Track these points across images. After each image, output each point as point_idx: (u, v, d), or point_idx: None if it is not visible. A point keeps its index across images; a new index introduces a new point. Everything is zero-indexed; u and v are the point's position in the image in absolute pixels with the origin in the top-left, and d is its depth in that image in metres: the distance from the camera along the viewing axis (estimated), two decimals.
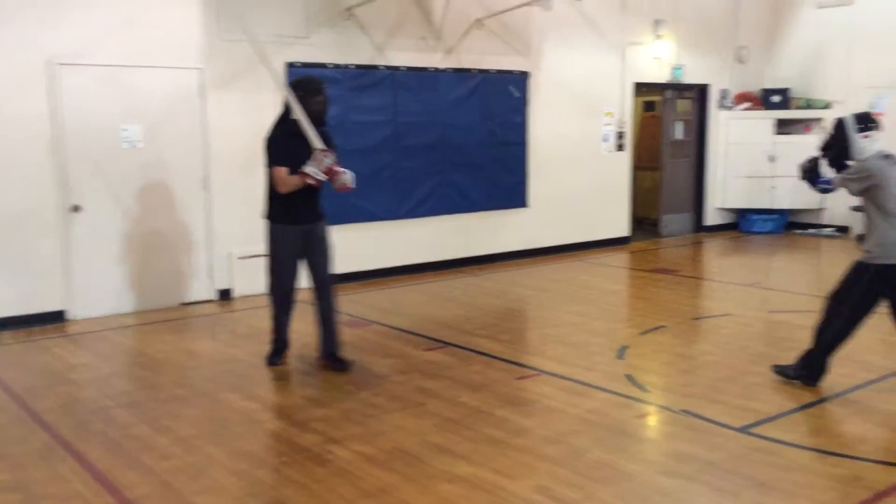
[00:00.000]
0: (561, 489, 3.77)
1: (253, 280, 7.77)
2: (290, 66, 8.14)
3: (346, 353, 5.95)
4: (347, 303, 7.91)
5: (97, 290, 7.39)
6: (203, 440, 4.46)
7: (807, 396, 5.05)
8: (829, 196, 12.00)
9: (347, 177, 5.40)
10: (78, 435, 4.52)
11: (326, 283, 5.62)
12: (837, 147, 5.07)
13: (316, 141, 5.25)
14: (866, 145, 4.96)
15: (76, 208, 7.23)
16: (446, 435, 4.45)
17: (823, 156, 5.24)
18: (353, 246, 8.88)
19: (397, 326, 6.94)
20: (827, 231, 12.02)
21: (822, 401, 5.00)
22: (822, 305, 5.15)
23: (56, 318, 7.22)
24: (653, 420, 4.80)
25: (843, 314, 5.01)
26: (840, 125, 5.05)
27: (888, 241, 4.88)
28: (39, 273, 7.11)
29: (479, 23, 9.42)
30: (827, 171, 5.30)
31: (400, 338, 6.59)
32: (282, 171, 5.25)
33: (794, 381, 5.21)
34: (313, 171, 5.20)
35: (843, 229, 11.95)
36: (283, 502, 3.70)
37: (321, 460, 4.14)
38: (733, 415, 4.74)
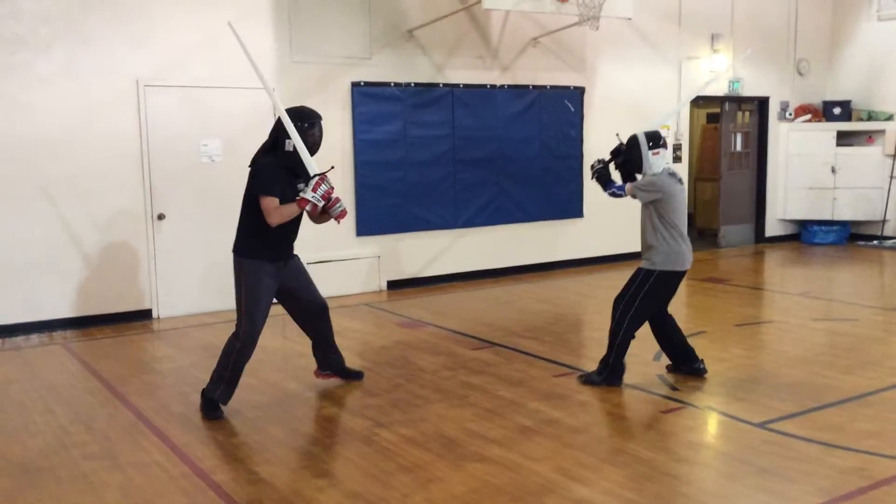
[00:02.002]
0: (578, 470, 4.19)
1: (321, 284, 8.38)
2: (355, 85, 8.78)
3: (401, 351, 6.49)
4: (404, 306, 8.47)
5: (180, 290, 8.12)
6: (267, 421, 5.04)
7: (829, 397, 5.32)
8: (891, 206, 12.08)
9: (342, 205, 5.08)
10: (159, 414, 5.15)
11: (326, 306, 5.52)
12: (627, 157, 5.54)
13: (314, 167, 4.95)
14: (655, 161, 5.43)
15: (161, 216, 7.98)
16: (482, 423, 4.91)
17: (611, 160, 5.74)
18: (412, 253, 9.45)
19: (449, 328, 7.44)
20: (890, 243, 12.01)
21: (843, 401, 5.26)
22: (612, 311, 5.61)
23: (144, 315, 7.97)
24: (676, 415, 5.14)
25: (629, 318, 5.50)
26: (634, 141, 5.47)
27: (670, 250, 5.42)
28: (129, 275, 7.88)
29: (534, 41, 9.90)
30: (615, 176, 5.81)
31: (451, 338, 7.08)
32: (275, 202, 4.89)
33: (602, 385, 5.58)
34: (313, 196, 4.85)
35: None
36: (331, 473, 4.23)
37: (368, 441, 4.66)
38: (754, 412, 5.06)
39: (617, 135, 6.01)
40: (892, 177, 12.04)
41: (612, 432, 4.76)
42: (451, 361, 6.31)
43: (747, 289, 9.40)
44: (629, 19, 9.55)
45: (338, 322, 7.65)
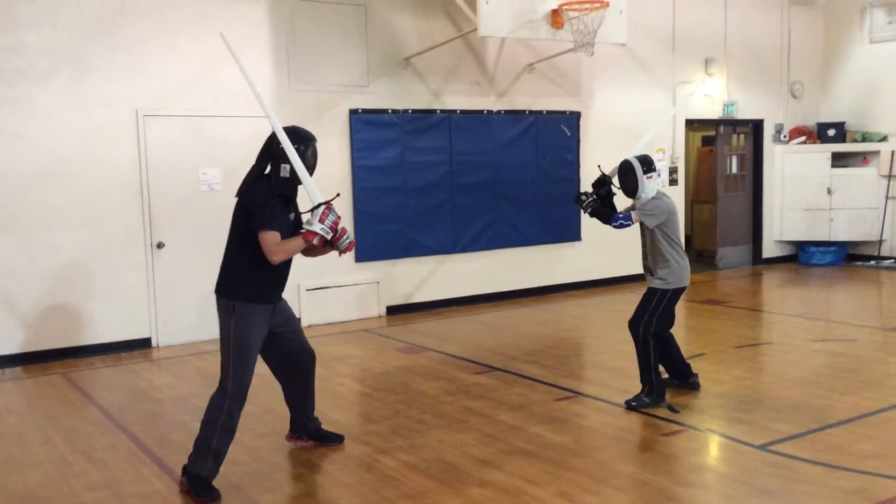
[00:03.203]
0: (580, 495, 4.18)
1: (320, 311, 8.46)
2: (353, 112, 8.85)
3: (401, 376, 6.49)
4: (404, 332, 8.47)
5: (179, 319, 8.12)
6: (267, 449, 5.02)
7: (830, 418, 5.32)
8: (887, 227, 12.12)
9: (350, 236, 4.53)
10: (159, 444, 5.14)
11: (315, 356, 4.90)
12: (622, 183, 5.58)
13: (318, 195, 4.39)
14: (650, 185, 5.53)
15: (160, 245, 8.00)
16: (483, 448, 4.90)
17: (595, 192, 5.81)
18: (411, 278, 9.46)
19: (449, 353, 7.44)
20: (887, 263, 12.04)
21: (844, 422, 5.26)
22: (633, 334, 5.66)
23: (143, 344, 7.96)
24: (677, 438, 5.13)
25: (651, 335, 5.59)
26: (629, 166, 5.52)
27: (679, 267, 5.58)
28: (128, 303, 7.88)
29: (530, 67, 9.99)
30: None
31: (451, 363, 7.08)
32: (277, 237, 4.30)
33: (652, 406, 5.59)
34: (322, 229, 4.29)
35: None
36: (332, 501, 4.22)
37: (369, 467, 4.65)
38: (755, 433, 5.06)
39: (599, 166, 6.03)
40: (887, 197, 12.10)
41: (613, 456, 4.76)
42: (451, 386, 6.31)
43: (746, 310, 9.41)
44: (623, 45, 9.64)
45: (338, 348, 7.71)
